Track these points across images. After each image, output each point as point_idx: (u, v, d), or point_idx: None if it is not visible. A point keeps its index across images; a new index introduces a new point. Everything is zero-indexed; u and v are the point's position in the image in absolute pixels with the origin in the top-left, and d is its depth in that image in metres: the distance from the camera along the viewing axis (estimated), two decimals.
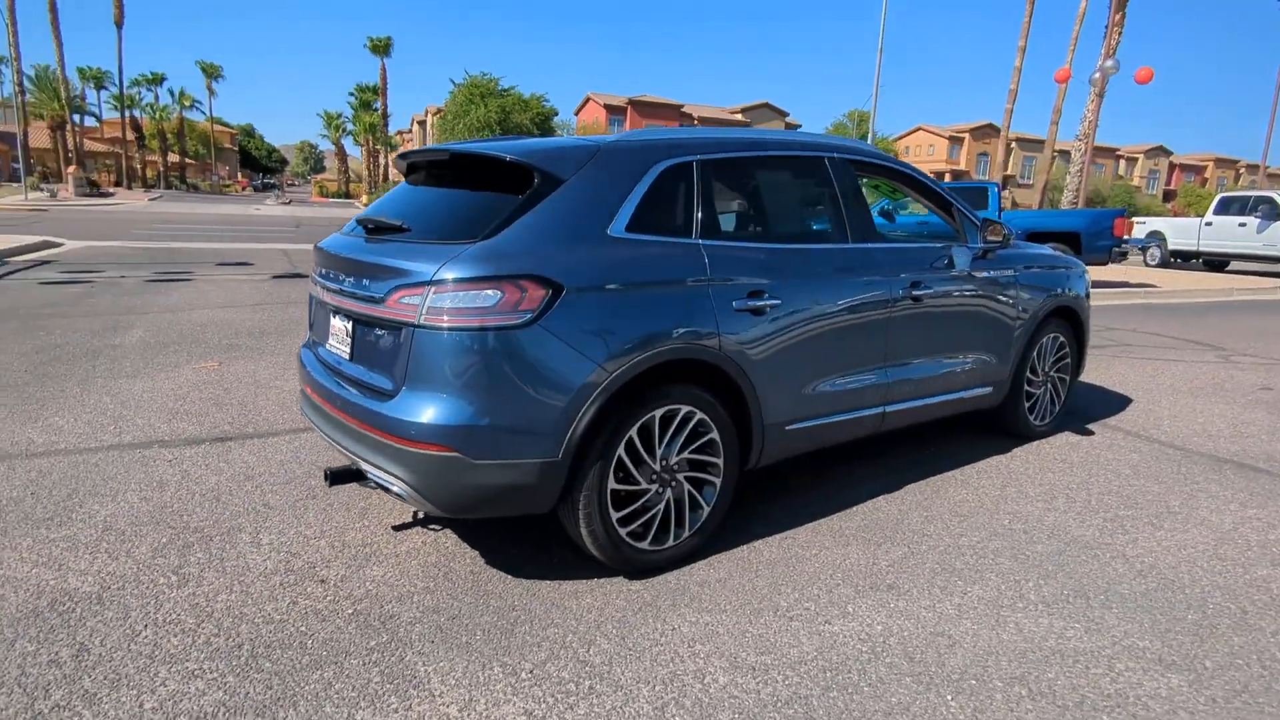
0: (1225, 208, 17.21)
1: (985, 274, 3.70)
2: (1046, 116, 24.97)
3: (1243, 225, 16.62)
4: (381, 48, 52.16)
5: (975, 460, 3.93)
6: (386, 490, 2.48)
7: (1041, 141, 37.89)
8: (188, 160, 71.83)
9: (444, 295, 2.27)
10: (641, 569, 2.66)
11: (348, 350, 2.68)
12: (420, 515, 3.12)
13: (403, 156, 3.02)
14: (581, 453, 2.44)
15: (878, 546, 2.92)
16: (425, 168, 2.95)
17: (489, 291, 2.28)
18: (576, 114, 58.49)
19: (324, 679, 2.07)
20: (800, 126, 63.54)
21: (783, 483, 3.55)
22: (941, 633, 2.35)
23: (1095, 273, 13.63)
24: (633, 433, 2.53)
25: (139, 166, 62.88)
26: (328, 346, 2.86)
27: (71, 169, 43.24)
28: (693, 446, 2.73)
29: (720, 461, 2.79)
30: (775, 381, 2.88)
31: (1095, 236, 11.82)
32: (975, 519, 3.19)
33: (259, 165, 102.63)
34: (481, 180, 2.69)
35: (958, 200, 3.74)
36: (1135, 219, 19.37)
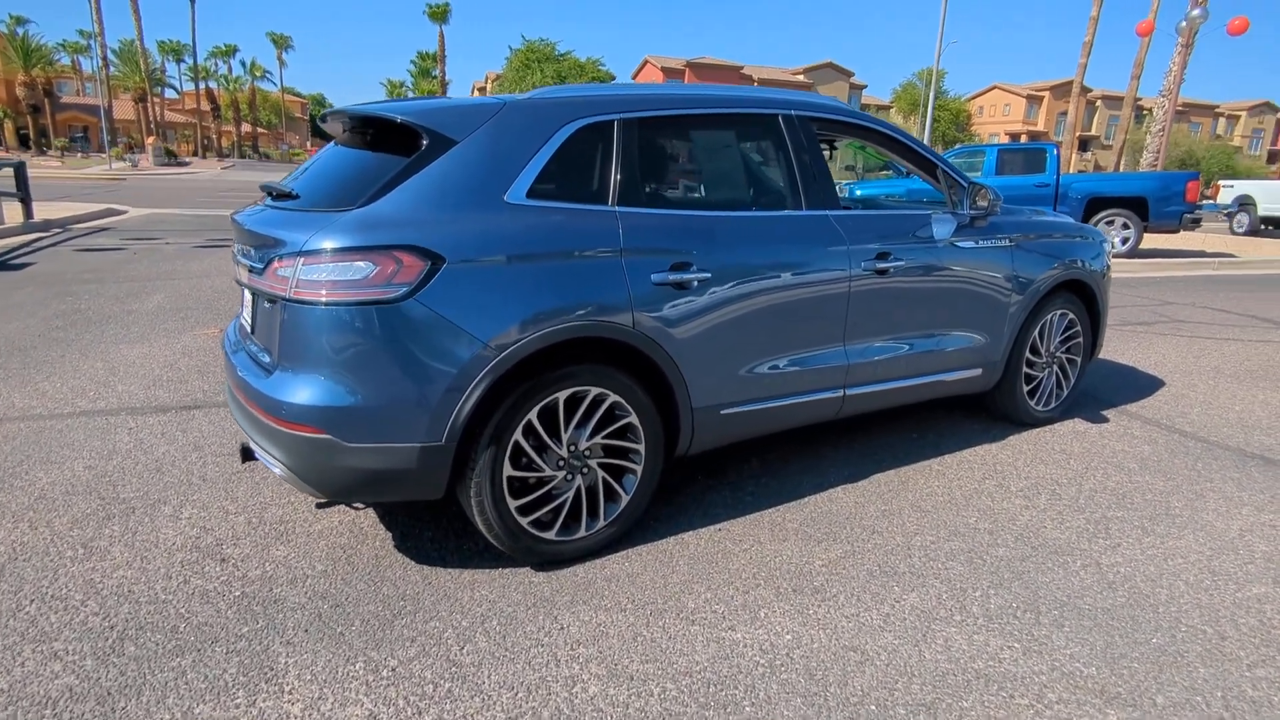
0: None
1: (973, 244, 3.34)
2: (1139, 70, 23.12)
3: None
4: (440, 14, 52.31)
5: (961, 448, 3.60)
6: (271, 470, 2.38)
7: (1122, 97, 35.29)
8: (260, 130, 74.15)
9: (314, 267, 2.12)
10: (547, 560, 2.50)
11: (250, 324, 2.57)
12: None
13: (319, 119, 2.88)
14: (469, 436, 2.28)
15: (817, 543, 2.67)
16: (342, 130, 2.79)
17: (360, 263, 2.11)
18: (634, 78, 57.65)
19: (180, 668, 1.99)
20: (866, 87, 61.00)
21: (737, 468, 3.32)
22: (855, 647, 2.11)
23: (1165, 241, 12.62)
24: (532, 416, 2.35)
25: (215, 136, 65.27)
26: (241, 319, 2.77)
27: (151, 139, 45.19)
28: (607, 431, 2.53)
29: (641, 448, 2.59)
30: (705, 362, 2.64)
31: (1164, 202, 10.88)
32: (938, 515, 2.90)
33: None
34: (377, 143, 2.51)
35: (944, 162, 3.37)
36: (1223, 181, 17.86)
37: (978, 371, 3.53)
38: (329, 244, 2.12)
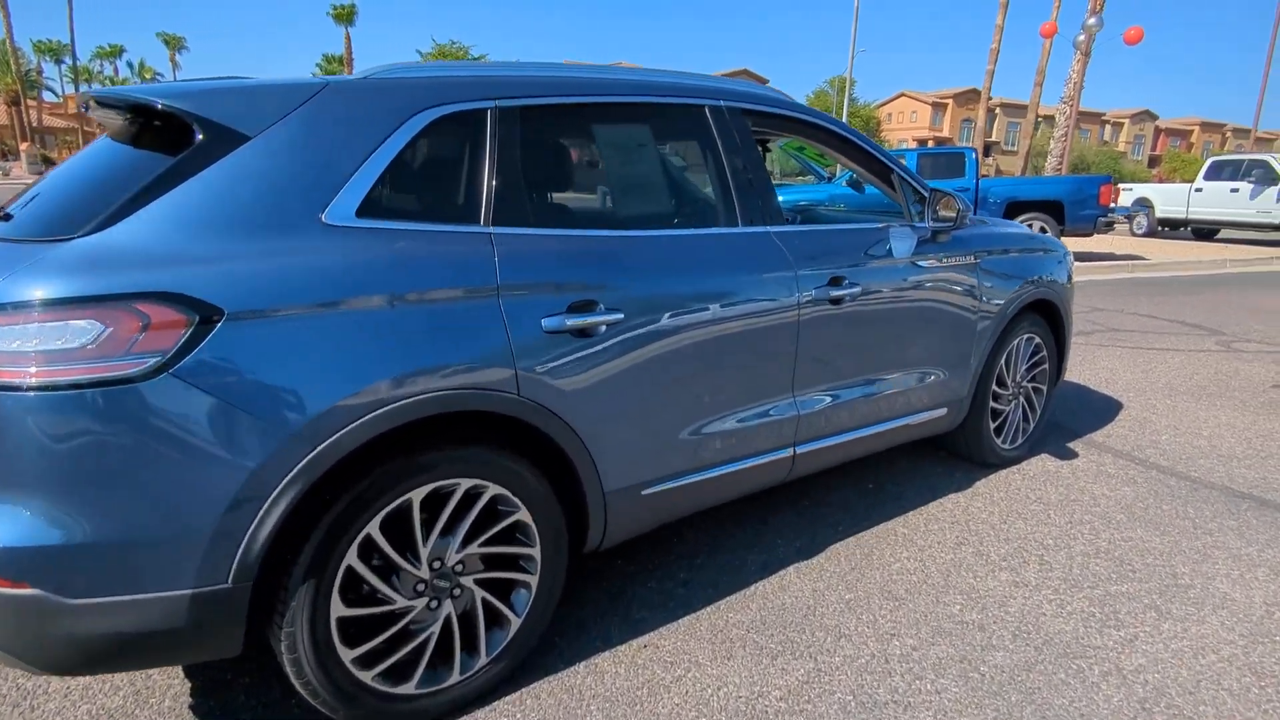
0: (1216, 173, 16.35)
1: (935, 262, 2.81)
2: (1031, 80, 23.93)
3: (1234, 191, 15.79)
4: (345, 15, 50.10)
5: (926, 501, 3.07)
6: None
7: (1026, 106, 36.81)
8: None
9: (7, 329, 1.36)
10: None
11: None
12: None
13: (81, 105, 2.07)
14: (273, 569, 1.56)
15: (772, 661, 2.05)
16: (111, 120, 2.00)
17: (81, 322, 1.36)
18: None
19: None
20: None
21: (666, 546, 2.68)
22: None
23: (1079, 244, 12.79)
24: (372, 528, 1.64)
25: None
26: None
27: (25, 145, 41.34)
28: (488, 535, 1.84)
29: (535, 552, 1.92)
30: (620, 431, 1.99)
31: (1079, 205, 10.92)
32: (914, 604, 2.33)
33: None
34: (143, 139, 1.75)
35: (899, 166, 2.83)
36: (1121, 185, 18.51)
37: (943, 411, 3.00)
38: (29, 293, 1.36)
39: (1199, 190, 16.53)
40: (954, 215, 2.73)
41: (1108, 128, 71.49)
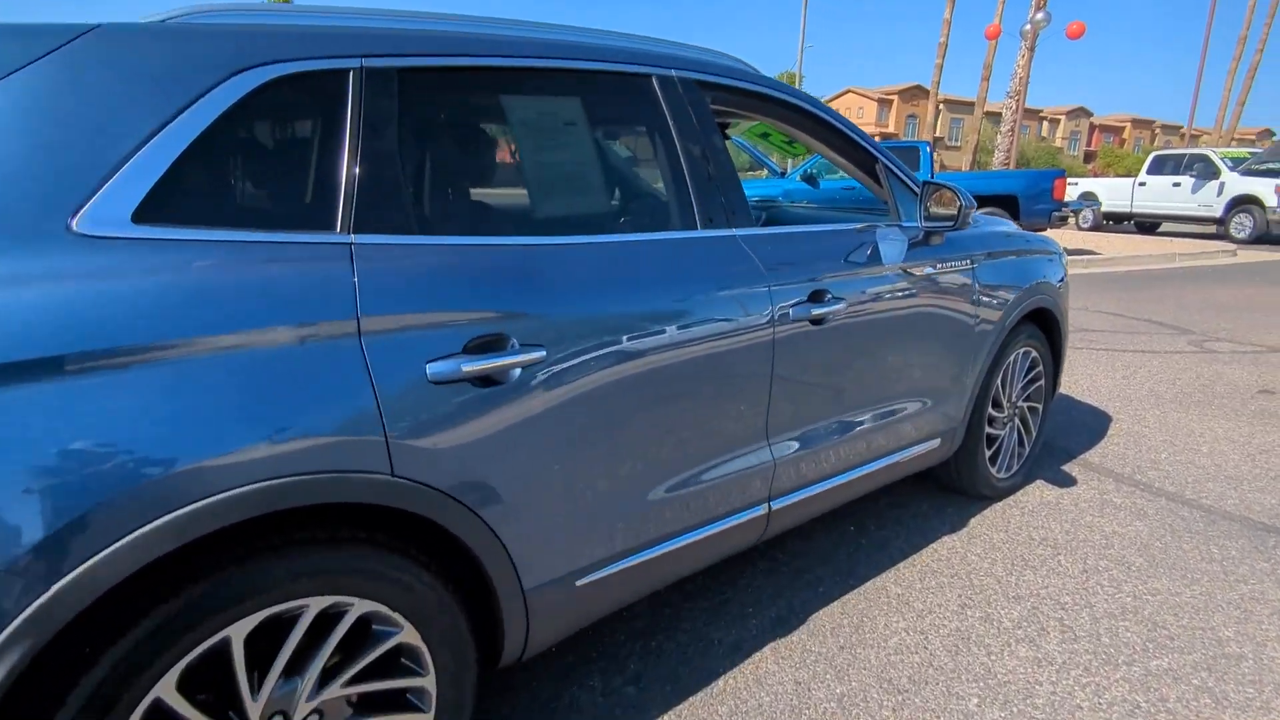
0: (1159, 167, 16.57)
1: (930, 269, 2.36)
2: (977, 75, 24.08)
3: (1177, 185, 16.02)
4: None
5: (917, 548, 2.63)
6: None
7: (969, 103, 37.30)
8: None
9: None
10: None
11: None
12: None
13: None
14: None
15: None
16: None
17: None
18: None
19: None
20: None
21: (610, 626, 2.17)
22: None
23: None
24: (163, 692, 1.10)
25: None
26: None
27: None
28: (361, 666, 1.32)
29: (429, 682, 1.39)
30: (543, 508, 1.48)
31: (1034, 199, 10.79)
32: (922, 697, 1.88)
33: None
34: None
35: (886, 155, 2.38)
36: (1069, 180, 18.69)
37: (936, 443, 2.57)
38: None
39: (1143, 185, 16.74)
40: (954, 214, 2.28)
41: (1045, 124, 73.43)
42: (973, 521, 2.84)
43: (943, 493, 3.05)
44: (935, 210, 2.31)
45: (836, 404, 2.13)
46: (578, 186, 1.84)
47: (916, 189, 2.35)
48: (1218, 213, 15.25)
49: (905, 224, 2.37)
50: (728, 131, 3.01)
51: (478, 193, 1.71)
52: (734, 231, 1.86)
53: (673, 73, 1.86)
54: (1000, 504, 2.97)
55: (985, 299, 2.57)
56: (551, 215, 1.76)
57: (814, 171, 11.37)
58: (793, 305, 1.90)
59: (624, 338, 1.55)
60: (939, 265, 2.39)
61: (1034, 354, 2.98)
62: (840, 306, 2.02)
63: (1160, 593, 2.34)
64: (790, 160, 11.97)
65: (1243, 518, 2.85)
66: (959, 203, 2.25)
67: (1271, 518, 2.84)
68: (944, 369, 2.48)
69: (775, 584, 2.38)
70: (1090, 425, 3.88)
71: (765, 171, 12.82)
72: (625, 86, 1.81)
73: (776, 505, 2.02)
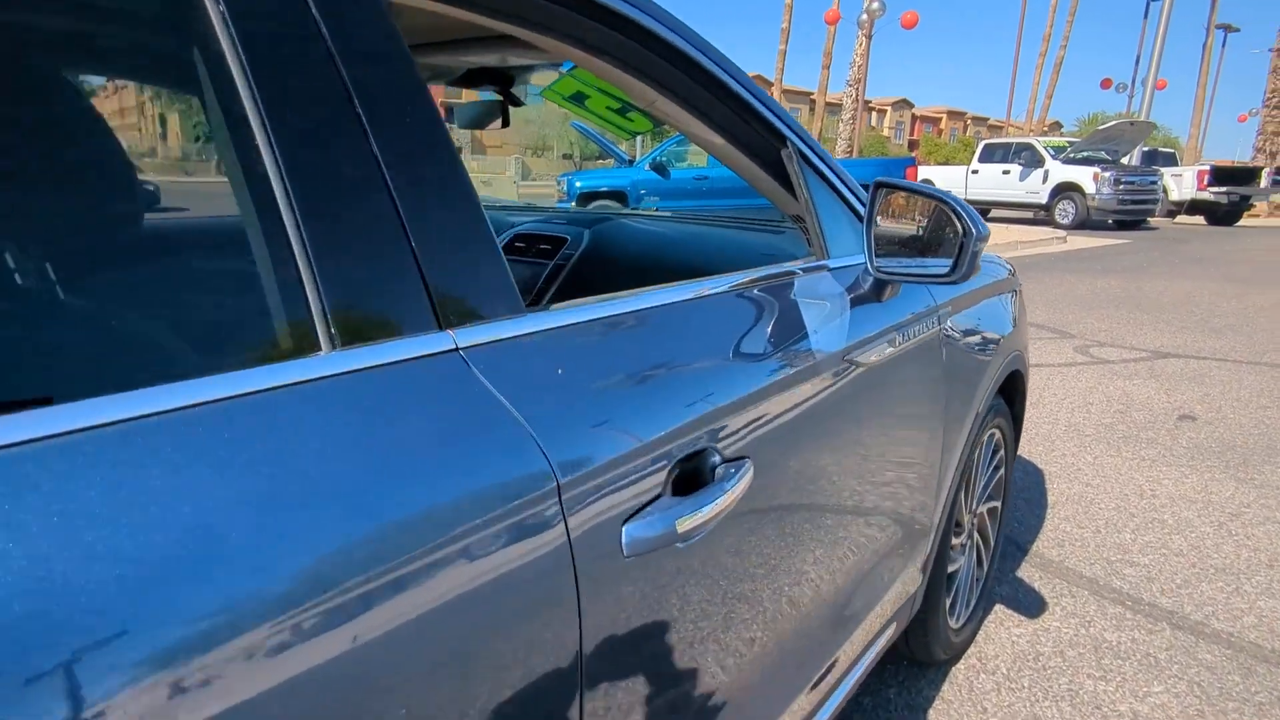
0: (989, 156, 17.18)
1: (883, 349, 1.27)
2: (816, 67, 24.38)
3: (1006, 173, 16.65)
4: None
5: None
6: None
7: (808, 93, 38.30)
8: None
9: None
10: None
11: None
12: None
13: None
14: None
15: None
16: None
17: None
18: None
19: None
20: None
21: None
22: None
23: None
24: None
25: None
26: None
27: None
28: None
29: None
30: None
31: None
32: None
33: None
34: None
35: (802, 135, 1.26)
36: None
37: (890, 630, 1.51)
38: None
39: (975, 172, 17.29)
40: (950, 257, 1.19)
41: (874, 114, 77.91)
42: (932, 710, 1.82)
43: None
44: (897, 243, 1.21)
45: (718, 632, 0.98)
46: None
47: (859, 202, 1.25)
48: (1044, 199, 15.93)
49: (836, 263, 1.26)
50: (542, 93, 1.82)
51: None
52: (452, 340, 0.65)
53: None
54: (961, 666, 1.98)
55: (955, 382, 1.53)
56: None
57: (663, 160, 10.40)
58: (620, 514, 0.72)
59: None
60: (896, 339, 1.30)
61: (998, 436, 2.01)
62: (739, 484, 0.86)
63: None
64: (623, 142, 10.70)
65: (1254, 646, 2.02)
66: (958, 231, 1.16)
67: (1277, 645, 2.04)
68: (898, 526, 1.41)
69: None
70: (1023, 486, 3.04)
71: (612, 161, 11.66)
72: None
73: None
